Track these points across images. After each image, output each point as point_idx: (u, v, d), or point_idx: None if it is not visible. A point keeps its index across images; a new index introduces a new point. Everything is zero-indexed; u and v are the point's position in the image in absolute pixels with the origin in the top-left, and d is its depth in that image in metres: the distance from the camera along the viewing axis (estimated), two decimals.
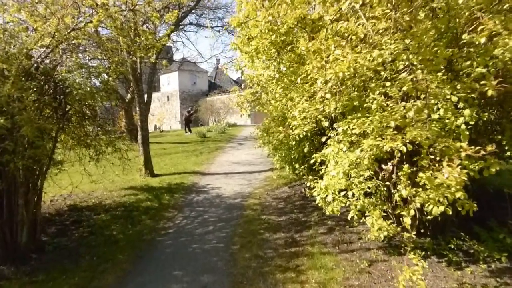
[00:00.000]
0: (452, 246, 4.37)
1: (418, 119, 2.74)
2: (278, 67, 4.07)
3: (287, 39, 3.75)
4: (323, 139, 4.91)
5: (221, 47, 75.13)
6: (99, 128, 6.53)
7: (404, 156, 3.45)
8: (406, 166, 3.01)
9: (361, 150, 2.91)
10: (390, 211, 4.69)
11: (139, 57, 8.67)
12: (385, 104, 2.97)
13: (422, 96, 2.72)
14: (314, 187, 4.27)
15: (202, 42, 66.80)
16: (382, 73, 3.25)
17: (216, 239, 5.69)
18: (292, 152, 6.63)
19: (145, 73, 12.00)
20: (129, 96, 17.97)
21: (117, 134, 10.27)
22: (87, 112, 6.19)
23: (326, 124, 3.64)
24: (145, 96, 11.37)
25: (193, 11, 13.65)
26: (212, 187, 9.25)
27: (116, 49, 5.76)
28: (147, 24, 9.50)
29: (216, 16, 19.83)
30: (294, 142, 5.75)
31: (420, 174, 2.89)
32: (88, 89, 5.33)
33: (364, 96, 3.71)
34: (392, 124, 2.77)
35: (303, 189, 7.93)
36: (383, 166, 3.13)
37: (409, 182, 3.07)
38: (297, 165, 6.76)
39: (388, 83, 3.15)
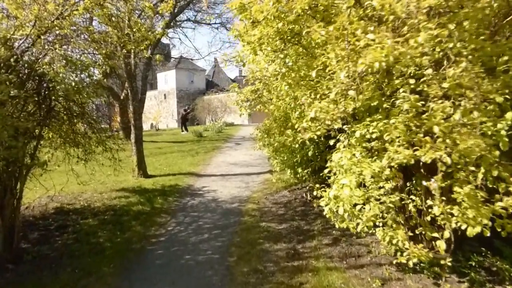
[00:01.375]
0: (473, 264, 3.94)
1: (466, 124, 2.29)
2: (284, 60, 3.61)
3: (295, 28, 3.30)
4: (331, 142, 4.47)
5: (219, 44, 75.03)
6: (88, 126, 6.08)
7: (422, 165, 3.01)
8: (439, 178, 2.57)
9: (387, 159, 2.46)
10: (402, 222, 4.26)
11: (133, 52, 8.18)
12: (419, 105, 2.51)
13: (472, 94, 2.27)
14: (321, 196, 3.83)
15: (200, 39, 65.84)
16: (404, 69, 2.80)
17: (211, 249, 5.23)
18: (295, 155, 6.16)
19: (140, 69, 11.49)
20: (124, 93, 17.45)
21: (109, 133, 9.75)
22: (75, 108, 5.74)
23: (339, 125, 3.18)
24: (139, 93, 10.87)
25: (190, 5, 13.15)
26: (208, 190, 8.79)
27: (105, 40, 5.26)
28: (143, 19, 9.02)
29: (214, 12, 19.43)
30: (297, 145, 5.28)
31: (456, 188, 2.45)
32: (73, 83, 4.85)
33: (380, 95, 3.26)
34: (436, 129, 2.31)
35: (304, 194, 7.49)
36: (424, 183, 2.68)
37: (443, 198, 2.62)
38: (299, 169, 6.29)
39: (412, 80, 2.71)
